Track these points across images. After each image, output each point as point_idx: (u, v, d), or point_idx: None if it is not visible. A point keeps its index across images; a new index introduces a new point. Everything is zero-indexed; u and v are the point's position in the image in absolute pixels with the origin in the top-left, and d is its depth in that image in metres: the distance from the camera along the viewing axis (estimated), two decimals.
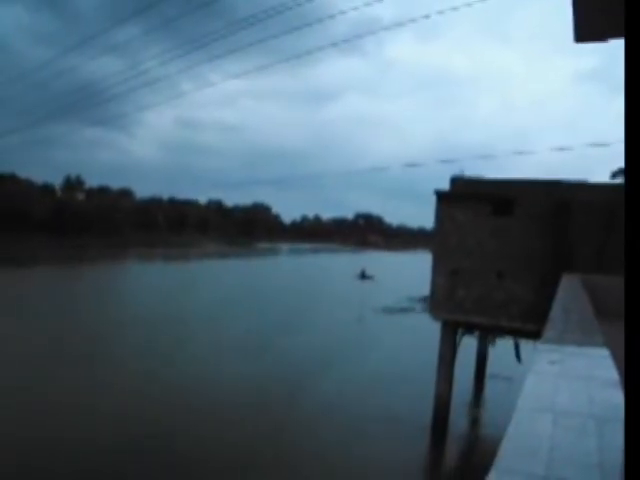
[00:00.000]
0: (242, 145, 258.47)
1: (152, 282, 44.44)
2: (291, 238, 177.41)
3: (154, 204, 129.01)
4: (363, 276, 59.07)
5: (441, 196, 14.45)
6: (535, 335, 11.68)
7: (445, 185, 14.64)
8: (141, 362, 17.92)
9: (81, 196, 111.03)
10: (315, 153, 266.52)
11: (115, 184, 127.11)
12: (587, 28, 2.77)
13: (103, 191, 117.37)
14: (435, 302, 14.41)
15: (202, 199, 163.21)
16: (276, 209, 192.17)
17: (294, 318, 29.39)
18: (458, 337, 14.55)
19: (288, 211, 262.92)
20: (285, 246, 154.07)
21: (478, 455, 11.93)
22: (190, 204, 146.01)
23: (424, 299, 37.25)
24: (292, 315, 30.36)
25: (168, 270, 59.72)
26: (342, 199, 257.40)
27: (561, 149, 36.30)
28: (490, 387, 17.83)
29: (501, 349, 17.12)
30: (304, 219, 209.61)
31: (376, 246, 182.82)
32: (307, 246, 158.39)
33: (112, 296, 35.21)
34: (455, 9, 14.95)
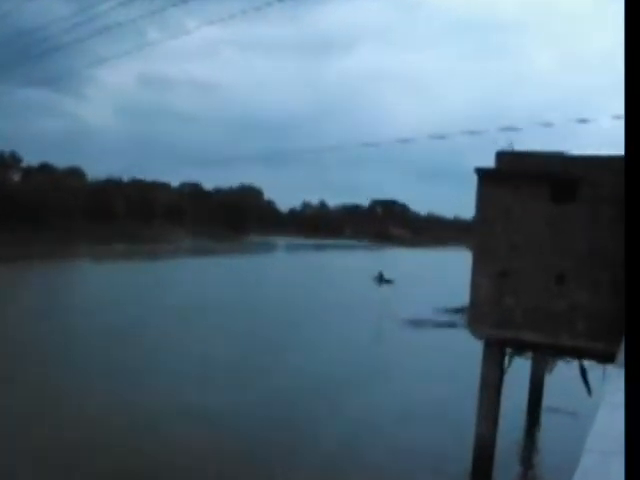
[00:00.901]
0: (225, 110, 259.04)
1: (105, 291, 44.54)
2: (289, 231, 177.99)
3: (112, 187, 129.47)
4: (381, 280, 59.48)
5: (484, 176, 14.44)
6: (606, 357, 11.68)
7: (489, 162, 14.65)
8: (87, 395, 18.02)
9: (16, 176, 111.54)
10: (319, 121, 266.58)
11: (61, 161, 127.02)
12: None
13: (45, 170, 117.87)
14: (475, 314, 14.43)
15: (174, 180, 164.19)
16: (270, 194, 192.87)
17: (294, 336, 29.50)
18: (506, 359, 14.58)
19: (285, 196, 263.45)
20: (281, 241, 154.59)
21: None
22: (159, 187, 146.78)
23: (461, 310, 37.29)
24: (292, 332, 30.49)
25: (129, 273, 59.89)
26: (355, 181, 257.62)
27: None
28: (548, 423, 17.88)
29: (562, 375, 17.14)
30: (306, 206, 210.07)
31: (399, 241, 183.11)
32: (310, 241, 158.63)
33: (40, 315, 32.01)
34: None
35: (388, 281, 58.62)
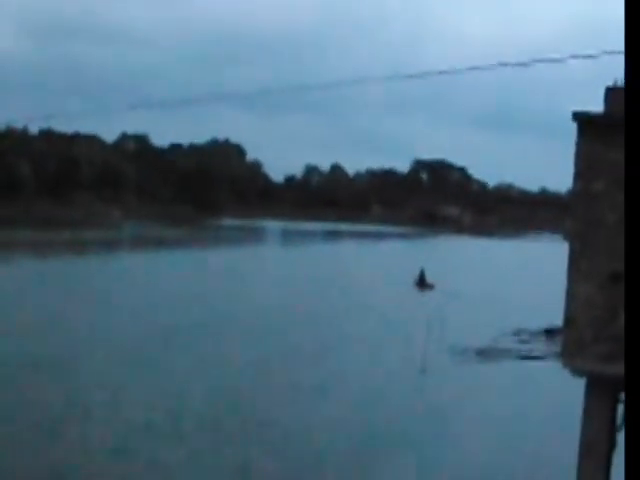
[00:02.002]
0: (188, 25, 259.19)
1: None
2: (285, 209, 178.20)
3: (12, 142, 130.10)
4: (422, 283, 60.53)
5: (588, 125, 14.32)
6: None
7: (593, 103, 14.52)
8: None
9: None
10: (331, 40, 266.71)
11: None
12: None
13: None
14: (574, 339, 14.34)
15: (108, 132, 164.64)
16: (255, 153, 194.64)
17: (307, 368, 29.88)
18: (620, 409, 14.54)
19: (279, 157, 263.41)
20: (273, 224, 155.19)
21: None
22: (84, 142, 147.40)
23: (550, 333, 37.28)
24: (304, 363, 30.96)
25: (32, 276, 60.05)
26: (386, 132, 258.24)
27: None
28: None
29: None
30: (311, 172, 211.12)
31: (455, 226, 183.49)
32: (317, 225, 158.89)
33: None
34: None
35: (429, 285, 59.27)
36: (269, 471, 19.22)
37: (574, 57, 23.14)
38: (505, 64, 17.27)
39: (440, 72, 20.03)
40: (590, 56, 21.95)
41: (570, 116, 14.47)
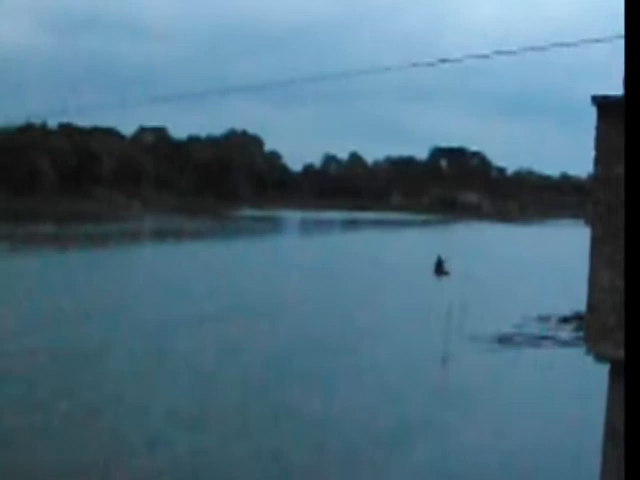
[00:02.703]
0: (201, 16, 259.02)
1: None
2: (304, 199, 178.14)
3: (32, 137, 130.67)
4: (439, 270, 60.76)
5: (609, 109, 14.21)
6: None
7: (615, 88, 14.40)
8: None
9: None
10: (349, 29, 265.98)
11: None
12: None
13: None
14: (597, 325, 14.26)
15: (127, 126, 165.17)
16: (274, 143, 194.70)
17: (329, 356, 29.97)
18: None
19: (298, 147, 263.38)
20: (292, 215, 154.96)
21: None
22: (104, 136, 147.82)
23: (573, 319, 37.16)
24: (326, 351, 31.20)
25: (56, 269, 60.34)
26: (405, 121, 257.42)
27: None
28: None
29: None
30: (329, 162, 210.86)
31: (475, 213, 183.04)
32: (336, 215, 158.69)
33: None
34: None
35: (446, 272, 59.46)
36: (303, 457, 19.22)
37: (591, 41, 22.93)
38: (523, 49, 17.16)
39: (460, 58, 19.89)
40: (604, 40, 21.75)
41: (590, 100, 14.38)
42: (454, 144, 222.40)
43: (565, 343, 32.72)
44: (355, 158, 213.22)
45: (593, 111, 14.43)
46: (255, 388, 25.42)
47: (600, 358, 14.52)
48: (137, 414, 22.39)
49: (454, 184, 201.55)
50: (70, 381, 25.49)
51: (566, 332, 34.82)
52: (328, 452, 19.78)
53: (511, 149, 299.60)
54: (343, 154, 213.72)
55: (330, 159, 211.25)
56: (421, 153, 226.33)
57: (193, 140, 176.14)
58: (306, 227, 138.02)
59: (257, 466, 18.51)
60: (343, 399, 24.68)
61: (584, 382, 20.01)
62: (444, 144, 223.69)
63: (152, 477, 17.61)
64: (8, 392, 23.56)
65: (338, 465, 19.01)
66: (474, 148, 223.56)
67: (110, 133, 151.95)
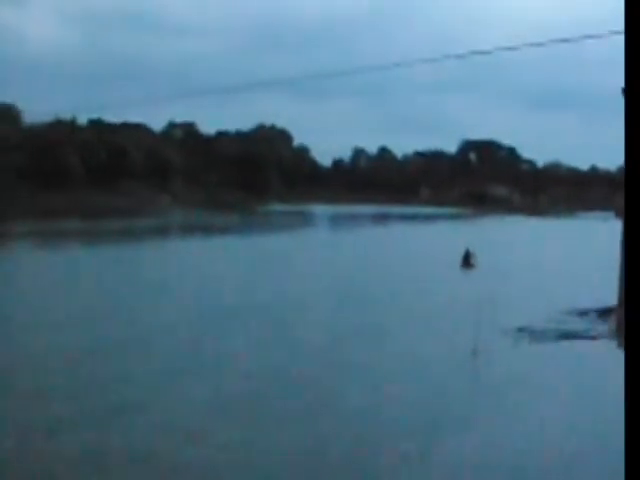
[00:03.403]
0: (230, 10, 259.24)
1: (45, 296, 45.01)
2: (333, 194, 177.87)
3: (61, 132, 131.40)
4: (467, 262, 60.77)
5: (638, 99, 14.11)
6: None
7: None
8: None
9: None
10: (380, 23, 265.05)
11: None
12: None
13: None
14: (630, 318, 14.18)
15: (156, 121, 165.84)
16: (303, 138, 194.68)
17: (361, 349, 29.89)
18: None
19: (326, 141, 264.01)
20: (322, 209, 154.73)
21: None
22: (132, 131, 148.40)
23: (604, 313, 36.86)
24: (359, 344, 31.08)
25: (87, 264, 60.75)
26: (434, 114, 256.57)
27: None
28: None
29: None
30: (358, 156, 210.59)
31: (504, 206, 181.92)
32: (366, 209, 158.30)
33: None
34: None
35: (477, 266, 59.07)
36: (340, 450, 19.17)
37: (621, 33, 22.76)
38: (553, 41, 17.08)
39: (490, 50, 19.84)
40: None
41: (620, 92, 14.26)
42: (483, 137, 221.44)
43: (596, 337, 32.45)
44: (384, 152, 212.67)
45: (619, 102, 14.33)
46: (308, 374, 25.46)
47: None
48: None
49: (483, 177, 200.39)
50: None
51: (597, 325, 34.54)
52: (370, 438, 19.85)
53: (540, 142, 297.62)
54: (372, 148, 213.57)
55: (359, 153, 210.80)
56: (450, 147, 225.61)
57: (222, 135, 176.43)
58: (336, 221, 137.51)
59: None
60: (379, 391, 24.62)
61: (618, 375, 19.80)
62: (473, 137, 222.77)
63: None
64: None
65: (381, 451, 19.06)
66: (504, 141, 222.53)
67: (139, 128, 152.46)
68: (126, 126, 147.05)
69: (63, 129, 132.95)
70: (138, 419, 19.98)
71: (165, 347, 30.00)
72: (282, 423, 21.36)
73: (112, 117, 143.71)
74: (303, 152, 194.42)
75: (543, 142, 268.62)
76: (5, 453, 17.52)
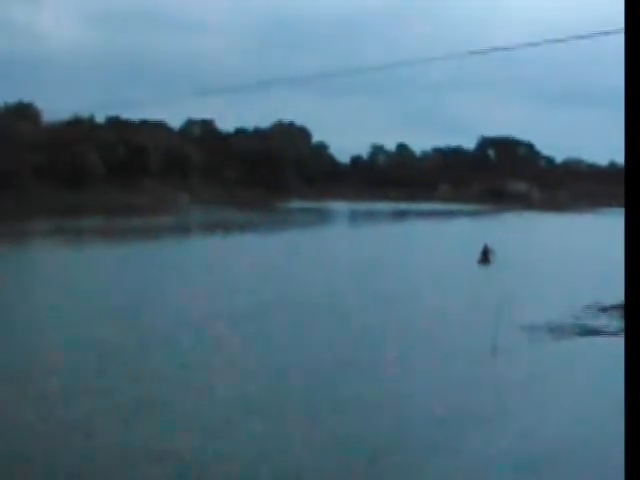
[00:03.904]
0: (247, 9, 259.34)
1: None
2: (352, 190, 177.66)
3: (79, 131, 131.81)
4: (486, 259, 60.77)
5: None
6: None
7: None
8: None
9: None
10: (398, 20, 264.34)
11: (3, 96, 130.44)
12: None
13: None
14: None
15: (174, 119, 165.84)
16: (321, 135, 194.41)
17: (381, 346, 30.19)
18: None
19: (345, 138, 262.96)
20: (341, 206, 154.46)
21: None
22: (151, 129, 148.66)
23: (622, 308, 36.88)
24: (379, 341, 31.33)
25: (109, 262, 61.15)
26: (451, 111, 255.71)
27: None
28: None
29: None
30: (377, 152, 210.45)
31: (523, 202, 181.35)
32: (384, 205, 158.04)
33: None
34: None
35: (496, 262, 59.05)
36: (364, 443, 19.37)
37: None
38: (572, 37, 17.29)
39: (510, 47, 20.08)
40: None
41: None
42: (502, 133, 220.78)
43: (616, 333, 32.51)
44: (403, 149, 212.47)
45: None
46: (312, 379, 25.68)
47: None
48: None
49: (502, 174, 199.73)
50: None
51: (617, 321, 34.57)
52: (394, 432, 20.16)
53: (559, 138, 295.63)
54: (391, 145, 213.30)
55: (378, 150, 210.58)
56: (469, 143, 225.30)
57: (240, 132, 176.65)
58: (355, 218, 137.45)
59: None
60: (398, 388, 24.84)
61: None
62: (492, 134, 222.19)
63: None
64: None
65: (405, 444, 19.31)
66: (522, 137, 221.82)
67: (158, 126, 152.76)
68: (145, 124, 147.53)
69: (82, 128, 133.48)
70: (165, 416, 20.53)
71: (192, 343, 30.36)
72: (314, 417, 21.65)
73: (131, 115, 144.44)
74: (322, 149, 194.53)
75: (561, 138, 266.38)
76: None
